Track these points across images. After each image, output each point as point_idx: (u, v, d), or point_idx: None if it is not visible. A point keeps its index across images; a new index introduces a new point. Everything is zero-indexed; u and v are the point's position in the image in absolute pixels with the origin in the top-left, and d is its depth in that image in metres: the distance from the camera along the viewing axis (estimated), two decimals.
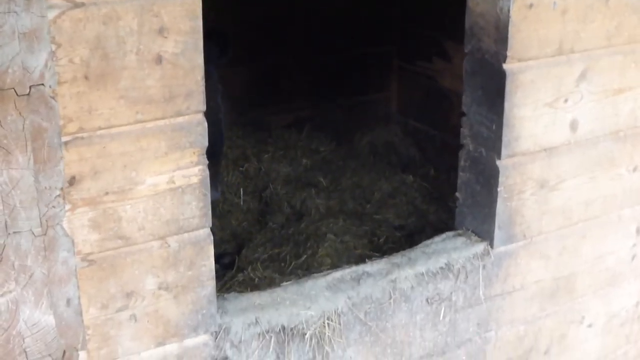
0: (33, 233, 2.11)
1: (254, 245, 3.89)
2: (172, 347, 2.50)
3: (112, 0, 2.08)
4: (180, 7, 2.17)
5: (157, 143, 2.26)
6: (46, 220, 2.12)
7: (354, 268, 2.93)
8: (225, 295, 2.73)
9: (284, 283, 2.88)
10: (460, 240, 3.09)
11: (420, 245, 3.10)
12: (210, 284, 2.51)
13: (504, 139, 2.88)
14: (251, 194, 4.38)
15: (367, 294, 2.82)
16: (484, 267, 3.03)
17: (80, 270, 2.24)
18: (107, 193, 2.23)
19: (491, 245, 3.03)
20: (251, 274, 3.55)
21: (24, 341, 2.20)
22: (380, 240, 3.90)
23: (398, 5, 5.05)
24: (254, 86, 4.82)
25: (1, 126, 1.98)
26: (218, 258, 2.79)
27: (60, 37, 2.03)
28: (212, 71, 3.33)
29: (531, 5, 2.75)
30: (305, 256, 3.74)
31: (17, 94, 1.98)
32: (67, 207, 2.16)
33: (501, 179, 2.93)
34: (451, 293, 3.00)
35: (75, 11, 2.03)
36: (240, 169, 4.56)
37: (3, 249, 2.08)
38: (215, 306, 2.54)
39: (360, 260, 3.24)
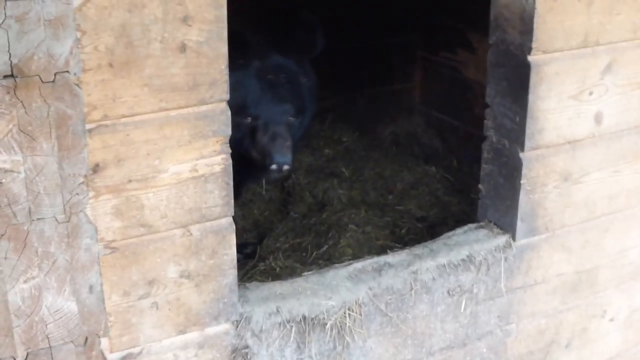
0: (56, 220, 2.12)
1: (275, 235, 3.89)
2: (193, 336, 2.51)
3: None
4: None
5: (181, 131, 2.27)
6: (70, 207, 2.13)
7: (376, 259, 2.93)
8: (247, 285, 2.74)
9: (305, 273, 2.88)
10: (482, 233, 3.08)
11: (442, 236, 3.10)
12: (232, 273, 2.51)
13: (528, 131, 2.87)
14: (273, 183, 4.38)
15: (388, 285, 2.82)
16: (505, 259, 3.02)
17: (102, 257, 2.25)
18: (130, 181, 2.24)
19: (513, 237, 3.02)
20: (272, 264, 3.56)
21: (46, 327, 2.21)
22: (402, 231, 3.90)
23: None
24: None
25: (26, 113, 1.99)
26: (240, 248, 2.80)
27: (86, 24, 2.04)
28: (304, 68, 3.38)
29: None
30: (326, 246, 3.74)
31: (42, 81, 1.99)
32: (91, 194, 2.17)
33: (524, 171, 2.92)
34: (472, 285, 2.99)
35: None
36: None
37: (27, 235, 2.09)
38: (236, 295, 2.55)
39: (382, 251, 3.24)
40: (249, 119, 3.20)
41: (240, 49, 3.16)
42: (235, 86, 3.12)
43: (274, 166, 3.13)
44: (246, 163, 3.27)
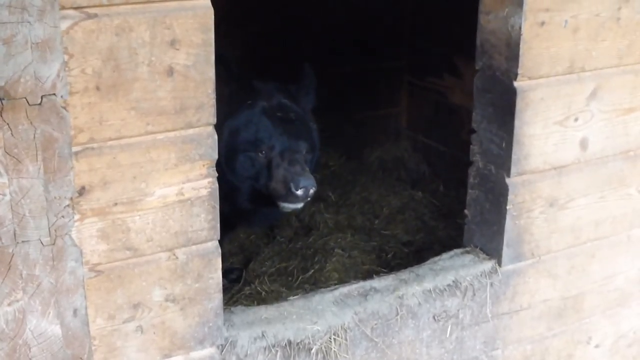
0: (42, 242, 2.11)
1: (261, 259, 3.89)
2: None
3: (124, 12, 2.08)
4: (192, 20, 2.18)
5: (167, 155, 2.26)
6: (55, 230, 2.12)
7: (361, 283, 2.93)
8: (232, 309, 2.73)
9: (291, 297, 2.88)
10: (468, 258, 3.08)
11: (428, 261, 3.09)
12: (218, 297, 2.50)
13: (514, 156, 2.87)
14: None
15: (374, 310, 2.81)
16: (491, 285, 3.02)
17: (87, 280, 2.24)
18: (116, 204, 2.23)
19: (499, 263, 3.02)
20: (258, 288, 3.55)
21: (30, 350, 2.19)
22: (388, 256, 3.90)
23: (409, 20, 5.05)
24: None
25: (12, 135, 1.99)
26: (225, 273, 2.80)
27: (73, 47, 2.04)
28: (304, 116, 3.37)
29: (543, 23, 2.75)
30: (312, 270, 3.74)
31: (28, 104, 1.98)
32: (76, 217, 2.17)
33: (510, 196, 2.93)
34: (458, 310, 2.99)
35: (88, 22, 2.04)
36: None
37: (11, 258, 2.08)
38: (222, 319, 2.54)
39: (368, 275, 3.24)
40: (264, 152, 3.15)
41: (247, 92, 3.18)
42: (245, 124, 3.13)
43: (300, 191, 3.01)
44: (260, 202, 3.24)
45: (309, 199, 3.09)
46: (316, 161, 3.40)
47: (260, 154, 3.15)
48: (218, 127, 2.36)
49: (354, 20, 4.81)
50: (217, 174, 2.38)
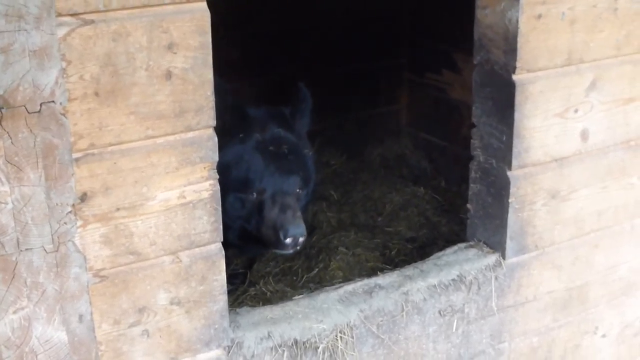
0: (45, 250, 2.11)
1: (265, 259, 3.88)
2: None
3: (121, 17, 2.09)
4: (189, 23, 2.18)
5: (168, 158, 2.27)
6: (58, 237, 2.13)
7: (366, 281, 2.93)
8: (238, 310, 2.73)
9: (296, 297, 2.88)
10: (472, 252, 3.08)
11: (432, 257, 3.10)
12: (222, 299, 2.51)
13: (515, 149, 2.88)
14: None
15: (379, 307, 2.82)
16: (496, 278, 3.02)
17: (92, 286, 2.25)
18: (118, 209, 2.23)
19: (503, 256, 3.03)
20: (263, 288, 3.55)
21: (36, 358, 2.20)
22: (392, 253, 3.90)
23: (407, 18, 5.06)
24: (264, 99, 4.82)
25: (12, 143, 1.99)
26: (229, 278, 2.79)
27: (71, 54, 2.04)
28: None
29: (540, 16, 2.75)
30: (317, 269, 3.73)
31: (28, 112, 1.99)
32: (79, 223, 2.17)
33: (512, 189, 2.93)
34: (464, 305, 2.99)
35: (85, 28, 2.04)
36: None
37: (15, 266, 2.09)
38: (227, 320, 2.55)
39: (372, 273, 3.24)
40: (255, 195, 3.13)
41: (241, 123, 3.13)
42: (236, 161, 3.07)
43: (288, 240, 3.01)
44: (253, 241, 3.21)
45: (298, 247, 3.09)
46: (312, 188, 3.38)
47: (251, 196, 3.12)
48: None
49: (353, 18, 4.81)
50: (217, 176, 2.38)
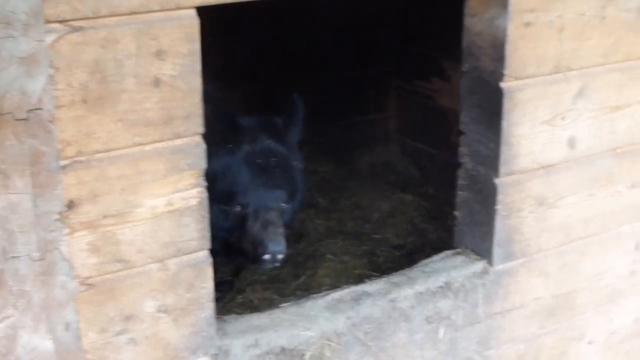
0: (31, 258, 2.10)
1: (252, 267, 3.88)
2: None
3: (110, 24, 2.08)
4: (177, 30, 2.18)
5: (156, 166, 2.26)
6: (44, 245, 2.11)
7: (353, 288, 2.93)
8: (225, 317, 2.73)
9: (283, 304, 2.87)
10: (460, 259, 3.09)
11: (419, 264, 3.09)
12: (210, 306, 2.50)
13: (502, 157, 2.88)
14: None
15: (366, 314, 2.81)
16: (483, 285, 3.03)
17: (79, 294, 2.24)
18: (105, 216, 2.23)
19: (490, 263, 3.03)
20: (250, 296, 3.55)
21: None
22: (380, 260, 3.90)
23: (396, 25, 5.06)
24: (251, 106, 4.82)
25: None
26: (216, 286, 2.78)
27: (59, 61, 2.03)
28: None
29: (528, 24, 2.76)
30: (304, 277, 3.74)
31: (15, 119, 1.98)
32: (66, 231, 2.16)
33: (499, 197, 2.93)
34: (451, 312, 2.99)
35: (73, 35, 2.04)
36: None
37: (1, 274, 2.07)
38: (214, 328, 2.54)
39: (360, 280, 3.23)
40: (238, 208, 3.12)
41: (231, 132, 3.12)
42: (222, 172, 3.06)
43: (267, 256, 3.02)
44: (235, 253, 3.20)
45: (277, 264, 3.09)
46: (301, 200, 3.36)
47: (235, 209, 3.11)
48: None
49: (342, 25, 4.82)
50: (206, 183, 2.37)
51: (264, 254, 3.02)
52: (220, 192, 3.03)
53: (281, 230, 3.08)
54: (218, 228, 3.07)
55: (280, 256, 3.04)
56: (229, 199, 3.09)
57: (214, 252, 2.54)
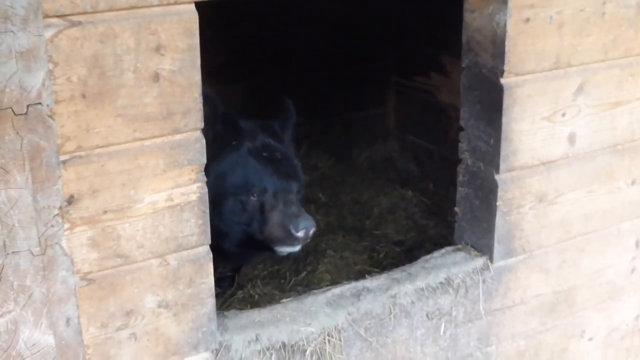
0: (32, 253, 2.10)
1: (253, 262, 3.88)
2: None
3: (109, 19, 2.08)
4: (177, 25, 2.18)
5: (155, 161, 2.26)
6: (45, 240, 2.11)
7: (354, 284, 2.93)
8: (225, 313, 2.73)
9: (284, 300, 2.87)
10: (460, 255, 3.09)
11: (419, 260, 3.10)
12: (210, 302, 2.50)
13: (502, 153, 2.88)
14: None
15: (367, 310, 2.81)
16: (483, 281, 3.03)
17: (79, 289, 2.24)
18: (105, 212, 2.23)
19: (491, 259, 3.03)
20: (251, 291, 3.54)
21: None
22: (380, 256, 3.90)
23: (395, 21, 5.06)
24: (251, 103, 4.82)
25: None
26: (217, 282, 2.78)
27: (58, 55, 2.03)
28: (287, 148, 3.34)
29: (527, 20, 2.76)
30: (305, 272, 3.73)
31: (14, 113, 1.98)
32: (66, 226, 2.16)
33: (500, 193, 2.93)
34: (451, 308, 2.99)
35: (72, 30, 2.04)
36: None
37: (2, 269, 2.07)
38: (215, 324, 2.54)
39: (360, 276, 3.24)
40: (255, 196, 3.09)
41: (232, 133, 3.13)
42: (231, 167, 3.07)
43: (300, 233, 2.97)
44: (254, 246, 3.18)
45: (308, 240, 3.06)
46: (303, 194, 3.34)
47: (252, 197, 3.09)
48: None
49: (341, 21, 4.81)
50: (205, 179, 2.37)
51: (297, 230, 2.97)
52: (233, 185, 3.05)
53: (303, 209, 3.07)
54: (233, 224, 3.08)
55: (312, 231, 3.00)
56: (244, 189, 3.08)
57: (218, 253, 2.55)
